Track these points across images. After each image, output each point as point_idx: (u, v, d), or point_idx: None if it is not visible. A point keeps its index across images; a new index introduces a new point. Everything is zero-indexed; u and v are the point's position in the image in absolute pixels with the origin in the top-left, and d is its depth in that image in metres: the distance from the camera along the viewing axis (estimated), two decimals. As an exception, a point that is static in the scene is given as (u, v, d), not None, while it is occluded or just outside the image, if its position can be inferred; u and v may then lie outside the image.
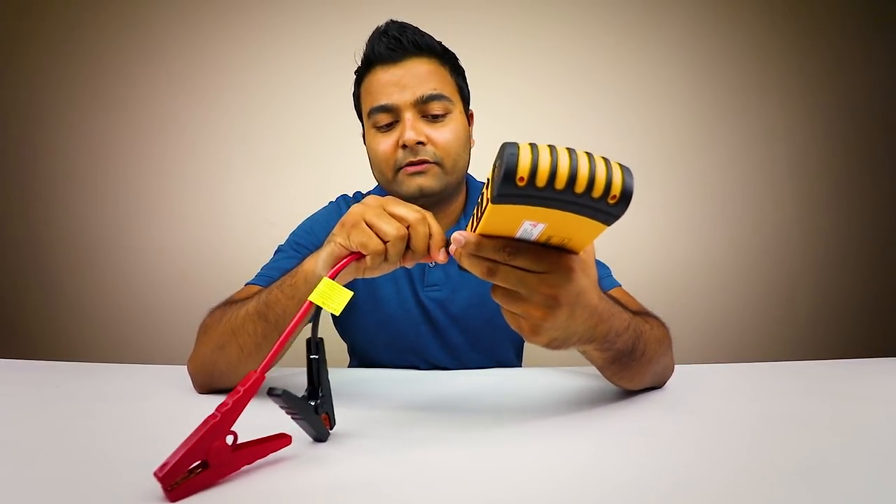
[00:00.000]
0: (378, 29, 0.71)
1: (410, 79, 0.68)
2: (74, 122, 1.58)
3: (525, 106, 1.56)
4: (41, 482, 0.34)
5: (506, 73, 1.53)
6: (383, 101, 0.68)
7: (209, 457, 0.32)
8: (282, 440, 0.37)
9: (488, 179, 0.31)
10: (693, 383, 0.61)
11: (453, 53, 0.74)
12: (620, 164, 0.30)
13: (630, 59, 1.58)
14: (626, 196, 0.29)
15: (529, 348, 0.89)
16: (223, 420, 0.33)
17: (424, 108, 0.68)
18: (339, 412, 0.48)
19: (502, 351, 0.82)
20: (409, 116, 0.67)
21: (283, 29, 1.56)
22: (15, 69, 1.58)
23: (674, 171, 1.59)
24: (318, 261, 0.48)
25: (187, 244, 1.57)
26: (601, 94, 1.58)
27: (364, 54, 0.72)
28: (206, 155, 1.57)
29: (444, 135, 0.69)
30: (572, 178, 0.27)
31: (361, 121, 0.76)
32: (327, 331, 0.83)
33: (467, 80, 0.77)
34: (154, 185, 1.58)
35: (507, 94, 1.52)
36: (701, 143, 1.60)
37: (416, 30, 0.70)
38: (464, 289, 0.76)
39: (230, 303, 0.58)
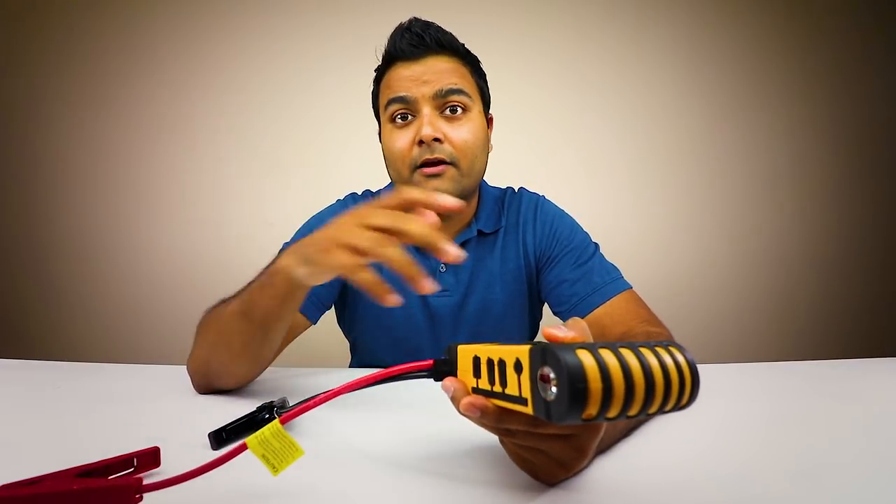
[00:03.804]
0: (401, 25, 0.69)
1: (431, 74, 0.66)
2: (74, 123, 1.58)
3: (525, 106, 1.56)
4: (41, 482, 0.33)
5: (506, 73, 1.53)
6: (402, 93, 0.66)
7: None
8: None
9: (525, 377, 0.24)
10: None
11: (476, 56, 0.73)
12: (688, 364, 0.24)
13: (630, 59, 1.58)
14: (688, 405, 0.24)
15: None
16: None
17: (443, 103, 0.66)
18: (336, 412, 0.48)
19: None
20: (426, 112, 0.65)
21: (283, 29, 1.56)
22: (15, 69, 1.58)
23: (674, 170, 1.59)
24: (295, 261, 0.45)
25: (187, 244, 1.57)
26: (601, 93, 1.58)
27: (385, 50, 0.70)
28: (206, 155, 1.57)
29: (461, 133, 0.67)
30: (645, 406, 0.22)
31: (378, 119, 0.74)
32: (330, 328, 0.83)
33: (489, 85, 0.75)
34: (154, 186, 1.58)
35: (507, 93, 1.52)
36: (701, 143, 1.60)
37: (439, 28, 0.69)
38: (474, 294, 0.75)
39: (223, 301, 0.56)
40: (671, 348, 0.24)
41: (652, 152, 1.59)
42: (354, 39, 1.53)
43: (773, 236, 1.61)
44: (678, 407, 0.24)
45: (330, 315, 0.78)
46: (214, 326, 0.54)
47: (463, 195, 0.70)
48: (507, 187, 0.83)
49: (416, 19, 0.69)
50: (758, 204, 1.61)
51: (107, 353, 1.56)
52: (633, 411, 0.22)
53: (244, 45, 1.57)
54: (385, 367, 0.32)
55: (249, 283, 0.52)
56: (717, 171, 1.60)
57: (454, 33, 0.72)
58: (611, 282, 0.69)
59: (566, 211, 0.80)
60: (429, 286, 0.37)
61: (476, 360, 0.29)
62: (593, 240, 0.77)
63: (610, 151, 1.59)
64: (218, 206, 1.57)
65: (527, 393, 0.24)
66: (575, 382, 0.21)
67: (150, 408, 0.52)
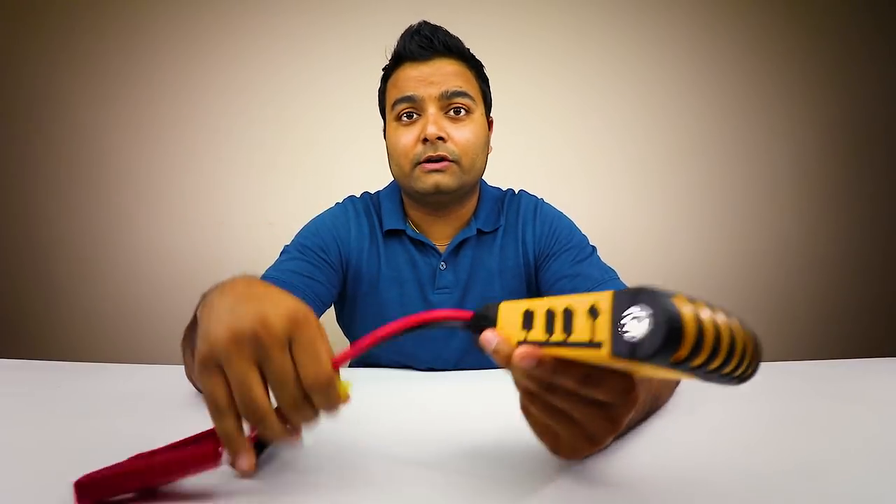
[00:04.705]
0: (410, 28, 0.73)
1: (438, 76, 0.69)
2: (75, 123, 1.58)
3: (525, 106, 1.56)
4: (41, 483, 0.34)
5: (506, 73, 1.53)
6: (409, 93, 0.69)
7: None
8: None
9: (604, 320, 0.24)
10: (692, 383, 0.61)
11: (480, 61, 0.76)
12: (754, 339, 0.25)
13: (630, 59, 1.58)
14: (748, 378, 0.26)
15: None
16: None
17: (448, 104, 0.70)
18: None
19: None
20: (432, 111, 0.69)
21: (283, 29, 1.56)
22: (15, 69, 1.58)
23: (674, 171, 1.59)
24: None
25: (187, 244, 1.57)
26: (601, 93, 1.58)
27: (395, 51, 0.73)
28: (207, 155, 1.57)
29: (464, 133, 0.70)
30: (728, 357, 0.23)
31: (383, 116, 0.77)
32: (330, 328, 0.83)
33: (490, 89, 0.78)
34: (154, 186, 1.58)
35: (507, 94, 1.52)
36: (701, 143, 1.60)
37: (447, 32, 0.73)
38: (472, 291, 0.77)
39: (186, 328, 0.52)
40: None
41: (652, 152, 1.59)
42: (355, 40, 1.53)
43: (773, 237, 1.61)
44: (744, 375, 0.25)
45: (329, 314, 0.79)
46: (184, 358, 0.51)
47: (461, 191, 0.73)
48: (507, 189, 0.85)
49: (425, 23, 0.73)
50: (758, 204, 1.61)
51: (107, 353, 1.56)
52: (713, 365, 0.23)
53: (244, 45, 1.57)
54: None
55: (188, 332, 0.49)
56: (717, 172, 1.60)
57: (455, 33, 0.74)
58: (609, 280, 0.70)
59: (564, 212, 0.82)
60: (245, 463, 0.29)
61: (528, 314, 0.29)
62: (591, 242, 0.78)
63: (610, 152, 1.59)
64: (218, 206, 1.57)
65: (602, 336, 0.24)
66: (672, 322, 0.21)
67: (151, 408, 0.52)
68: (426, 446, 0.41)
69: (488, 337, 0.30)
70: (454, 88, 0.69)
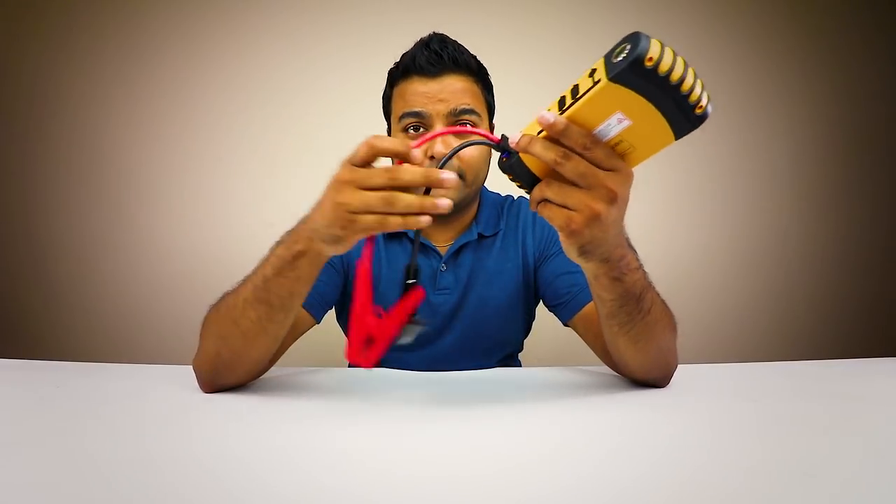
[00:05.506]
0: (421, 40, 0.74)
1: (446, 94, 0.71)
2: (75, 122, 1.58)
3: (525, 106, 1.56)
4: (41, 482, 0.34)
5: (505, 73, 1.53)
6: (417, 109, 0.71)
7: (370, 331, 0.41)
8: (416, 293, 0.43)
9: (601, 66, 0.33)
10: (693, 383, 0.61)
11: (486, 70, 0.78)
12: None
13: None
14: (707, 112, 0.34)
15: (526, 352, 0.89)
16: (360, 298, 0.41)
17: (455, 121, 0.72)
18: (335, 410, 0.48)
19: (499, 352, 0.82)
20: (439, 129, 0.70)
21: (283, 28, 1.56)
22: (15, 69, 1.57)
23: (673, 170, 1.59)
24: (321, 243, 0.48)
25: (187, 244, 1.57)
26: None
27: (403, 61, 0.74)
28: (206, 155, 1.57)
29: (469, 150, 0.72)
30: (684, 74, 0.32)
31: (388, 120, 0.79)
32: (330, 328, 0.83)
33: (494, 95, 0.81)
34: (154, 185, 1.58)
35: (507, 93, 1.52)
36: (700, 142, 1.59)
37: (456, 46, 0.74)
38: (472, 292, 0.78)
39: (226, 295, 0.58)
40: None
41: (652, 152, 1.59)
42: (355, 40, 1.53)
43: (773, 236, 1.61)
44: (700, 103, 0.33)
45: (329, 314, 0.79)
46: (226, 318, 0.55)
47: (463, 203, 0.76)
48: (507, 195, 0.88)
49: (435, 35, 0.74)
50: (757, 204, 1.61)
51: (107, 353, 1.56)
52: (675, 75, 0.31)
53: (245, 44, 1.56)
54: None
55: (256, 272, 0.54)
56: (716, 171, 1.60)
57: (454, 34, 0.75)
58: None
59: None
60: (443, 204, 0.42)
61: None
62: None
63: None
64: (218, 206, 1.57)
65: (601, 74, 0.33)
66: (644, 37, 0.31)
67: (151, 408, 0.52)
68: (425, 446, 0.41)
69: (513, 135, 0.39)
70: (462, 106, 0.70)
